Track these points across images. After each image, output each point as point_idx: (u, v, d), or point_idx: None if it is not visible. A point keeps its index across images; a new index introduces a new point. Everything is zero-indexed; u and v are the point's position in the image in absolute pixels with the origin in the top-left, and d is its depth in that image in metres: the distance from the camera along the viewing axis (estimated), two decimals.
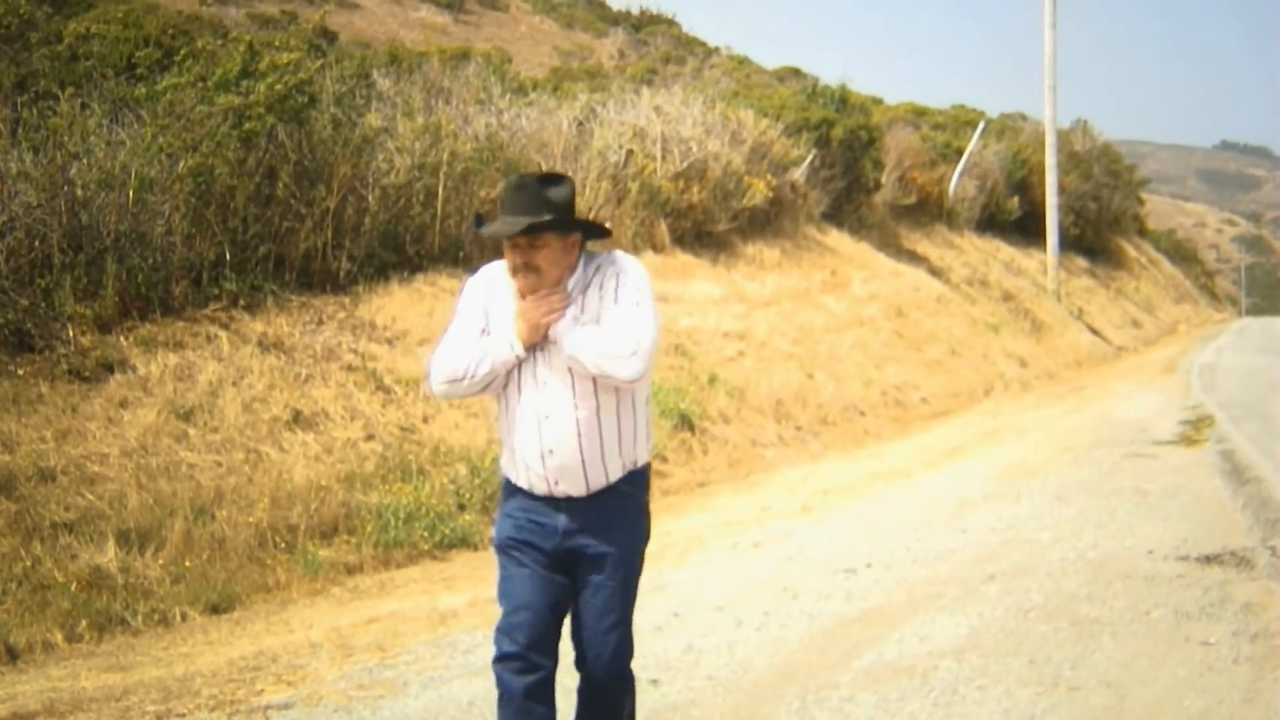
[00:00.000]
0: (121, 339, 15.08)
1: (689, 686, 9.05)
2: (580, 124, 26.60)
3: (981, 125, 49.24)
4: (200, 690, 8.18)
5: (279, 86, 17.75)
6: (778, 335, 24.37)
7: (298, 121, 18.37)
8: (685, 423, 18.97)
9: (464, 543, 13.89)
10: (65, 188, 15.57)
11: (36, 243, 15.22)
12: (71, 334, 14.70)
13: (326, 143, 18.89)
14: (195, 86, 17.63)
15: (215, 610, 11.42)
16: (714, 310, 24.05)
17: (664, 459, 17.84)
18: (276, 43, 19.61)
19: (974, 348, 30.66)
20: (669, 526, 14.88)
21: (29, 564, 11.20)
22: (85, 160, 16.07)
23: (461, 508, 14.51)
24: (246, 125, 17.43)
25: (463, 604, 11.35)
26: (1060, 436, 21.41)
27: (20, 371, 13.83)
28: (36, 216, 15.24)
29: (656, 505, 15.30)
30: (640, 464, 6.48)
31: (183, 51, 18.88)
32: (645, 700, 8.75)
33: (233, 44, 18.93)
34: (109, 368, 14.51)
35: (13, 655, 10.12)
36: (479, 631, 10.34)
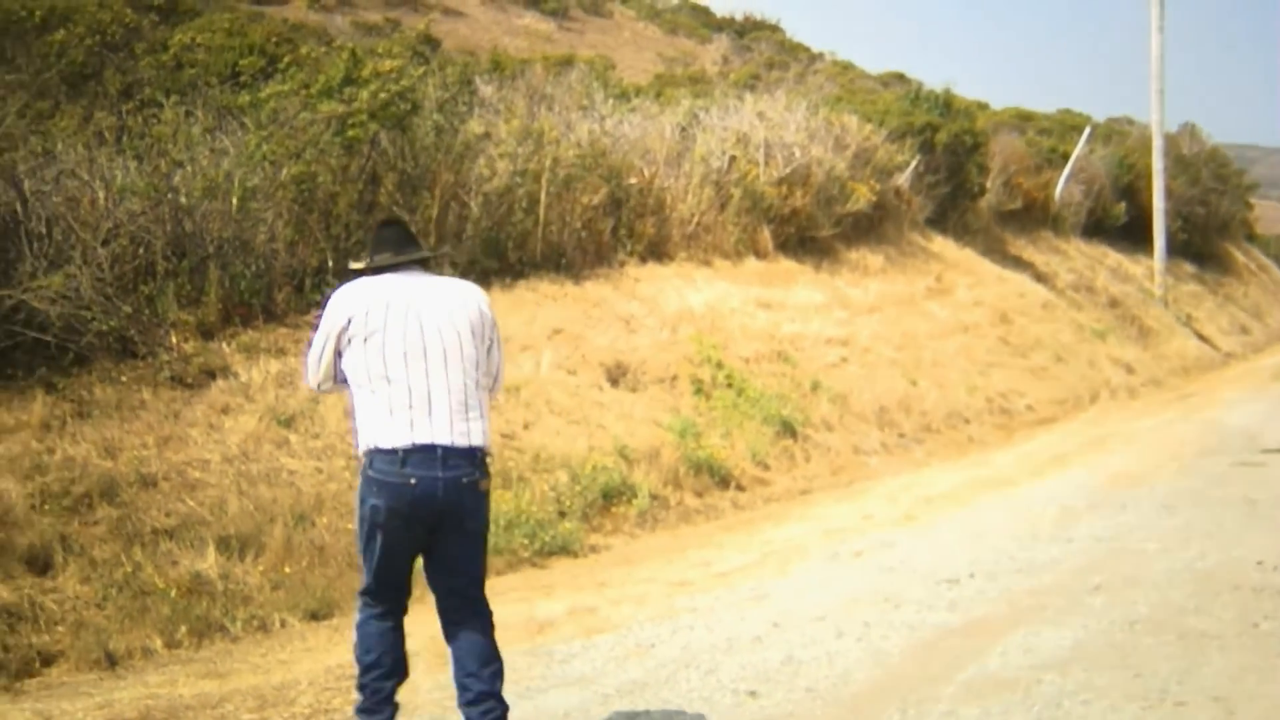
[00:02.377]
0: (224, 345, 15.15)
1: (788, 699, 8.95)
2: (683, 130, 26.51)
3: (1088, 130, 48.74)
4: (296, 699, 8.18)
5: (382, 94, 17.79)
6: (881, 342, 24.21)
7: (400, 128, 18.43)
8: (788, 430, 18.87)
9: (564, 550, 13.82)
10: (169, 195, 15.66)
11: (141, 250, 15.32)
12: (174, 340, 14.78)
13: (429, 149, 18.94)
14: (298, 94, 17.71)
15: (314, 617, 11.40)
16: (817, 316, 23.92)
17: (766, 466, 17.76)
18: (379, 50, 19.68)
19: (1080, 354, 30.35)
20: (770, 535, 14.80)
21: (130, 570, 11.24)
22: (189, 168, 16.16)
23: (562, 515, 14.46)
24: (349, 132, 17.48)
25: (561, 612, 11.29)
26: (1167, 444, 21.14)
27: (124, 378, 13.92)
28: (141, 224, 15.34)
29: (758, 513, 15.32)
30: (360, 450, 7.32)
31: (286, 59, 18.99)
32: (743, 712, 8.70)
33: (336, 51, 19.03)
34: (211, 374, 14.58)
35: (112, 661, 10.16)
36: (576, 641, 10.30)
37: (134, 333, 14.54)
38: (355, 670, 7.59)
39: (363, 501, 7.23)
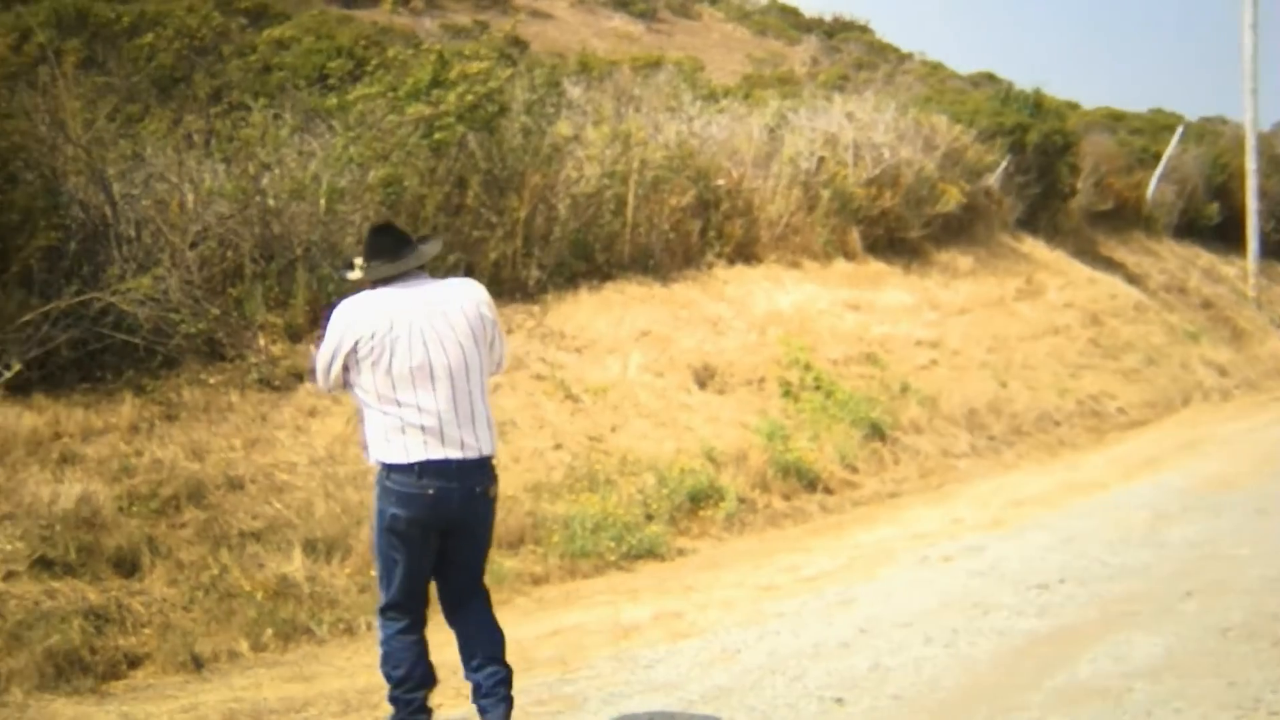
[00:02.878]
0: (311, 348, 15.17)
1: (874, 706, 8.87)
2: (771, 131, 26.39)
3: (1180, 129, 48.25)
4: (379, 703, 8.13)
5: (469, 96, 17.80)
6: (971, 343, 24.02)
7: (488, 130, 18.43)
8: (876, 432, 18.72)
9: (650, 554, 13.75)
10: (257, 198, 15.72)
11: (229, 252, 15.39)
12: (262, 343, 14.84)
13: (516, 151, 18.92)
14: (386, 96, 17.73)
15: None
16: (906, 318, 23.76)
17: (854, 469, 17.63)
18: (467, 52, 19.68)
19: (1172, 356, 30.02)
20: (859, 539, 14.70)
21: (216, 572, 11.26)
22: (277, 170, 16.21)
23: (649, 518, 14.39)
24: (437, 135, 17.50)
25: (646, 617, 11.23)
26: (1261, 448, 20.89)
27: (211, 380, 13.97)
28: (229, 226, 15.40)
29: (846, 516, 15.23)
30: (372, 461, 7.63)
31: (374, 62, 19.03)
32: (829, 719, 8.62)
33: (423, 54, 19.04)
34: (298, 376, 14.61)
35: (198, 664, 10.18)
36: (661, 646, 10.24)
37: (222, 335, 14.60)
38: (386, 686, 7.77)
39: (381, 512, 7.52)
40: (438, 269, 17.00)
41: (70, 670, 9.78)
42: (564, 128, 20.17)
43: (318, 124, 17.46)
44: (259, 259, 15.48)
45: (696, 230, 22.21)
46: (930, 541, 14.36)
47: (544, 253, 18.90)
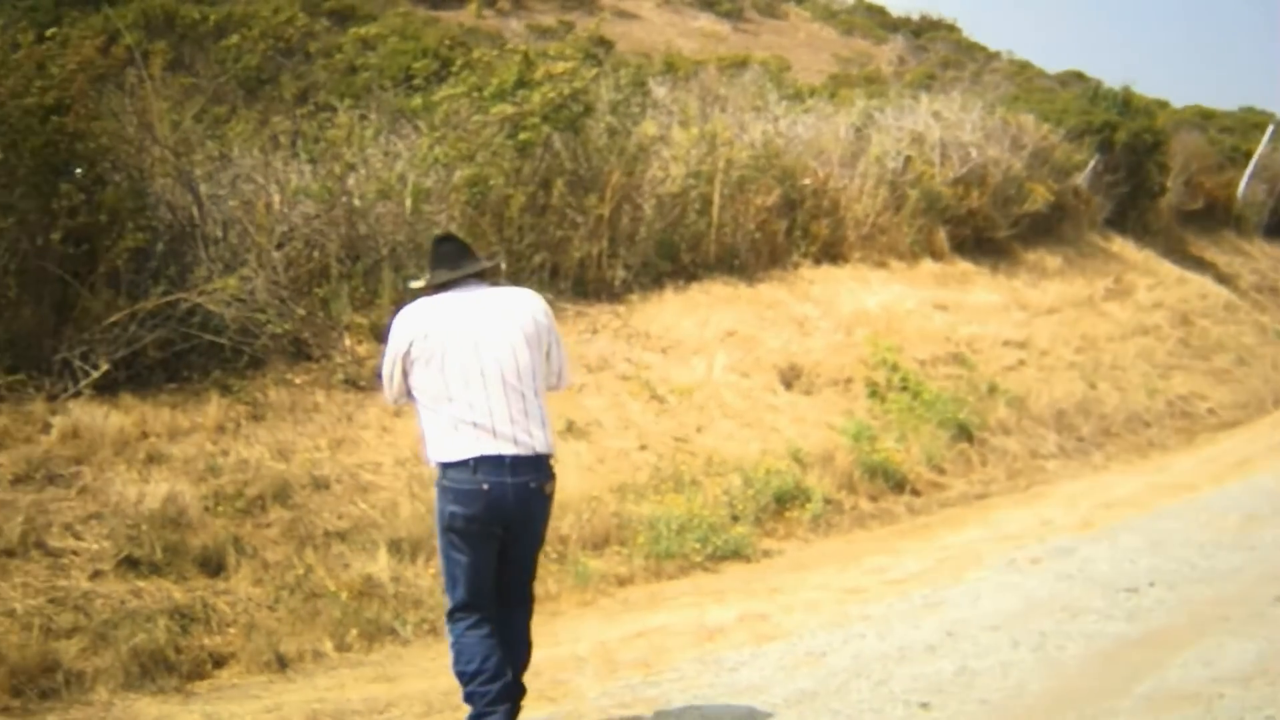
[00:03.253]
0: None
1: (961, 711, 8.79)
2: (858, 130, 26.28)
3: (1271, 128, 47.75)
4: (461, 705, 8.11)
5: (554, 95, 17.80)
6: (1059, 344, 23.83)
7: (573, 130, 18.42)
8: (964, 433, 18.59)
9: (736, 555, 13.68)
10: (343, 198, 15.76)
11: (315, 253, 15.43)
12: (348, 343, 14.86)
13: (601, 151, 18.92)
14: (470, 97, 17.74)
15: None
16: (994, 318, 23.60)
17: (941, 470, 17.52)
18: (552, 52, 19.68)
19: (1263, 357, 29.70)
20: (946, 540, 14.60)
21: (302, 572, 11.28)
22: (363, 171, 16.26)
23: (735, 519, 14.32)
24: (522, 135, 17.51)
25: (731, 619, 11.16)
26: None
27: (297, 380, 14.01)
28: (315, 227, 15.45)
29: (934, 518, 15.14)
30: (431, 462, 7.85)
31: (459, 62, 19.04)
32: None
33: (508, 54, 19.05)
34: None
35: (282, 664, 10.19)
36: (746, 649, 10.18)
37: (307, 335, 14.64)
38: (460, 685, 7.82)
39: (441, 512, 7.73)
40: (522, 269, 17.09)
41: (155, 669, 9.81)
42: (649, 127, 20.13)
43: (403, 124, 17.52)
44: (345, 259, 15.52)
45: (782, 230, 22.13)
46: (1018, 543, 14.24)
47: (629, 253, 18.88)
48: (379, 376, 8.21)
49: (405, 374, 7.73)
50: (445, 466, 7.61)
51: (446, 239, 8.25)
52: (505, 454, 7.50)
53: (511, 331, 7.72)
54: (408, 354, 7.64)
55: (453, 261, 7.88)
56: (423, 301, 7.84)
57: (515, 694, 7.77)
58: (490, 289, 7.98)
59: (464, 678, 7.74)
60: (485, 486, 7.48)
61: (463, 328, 7.63)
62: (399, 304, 8.48)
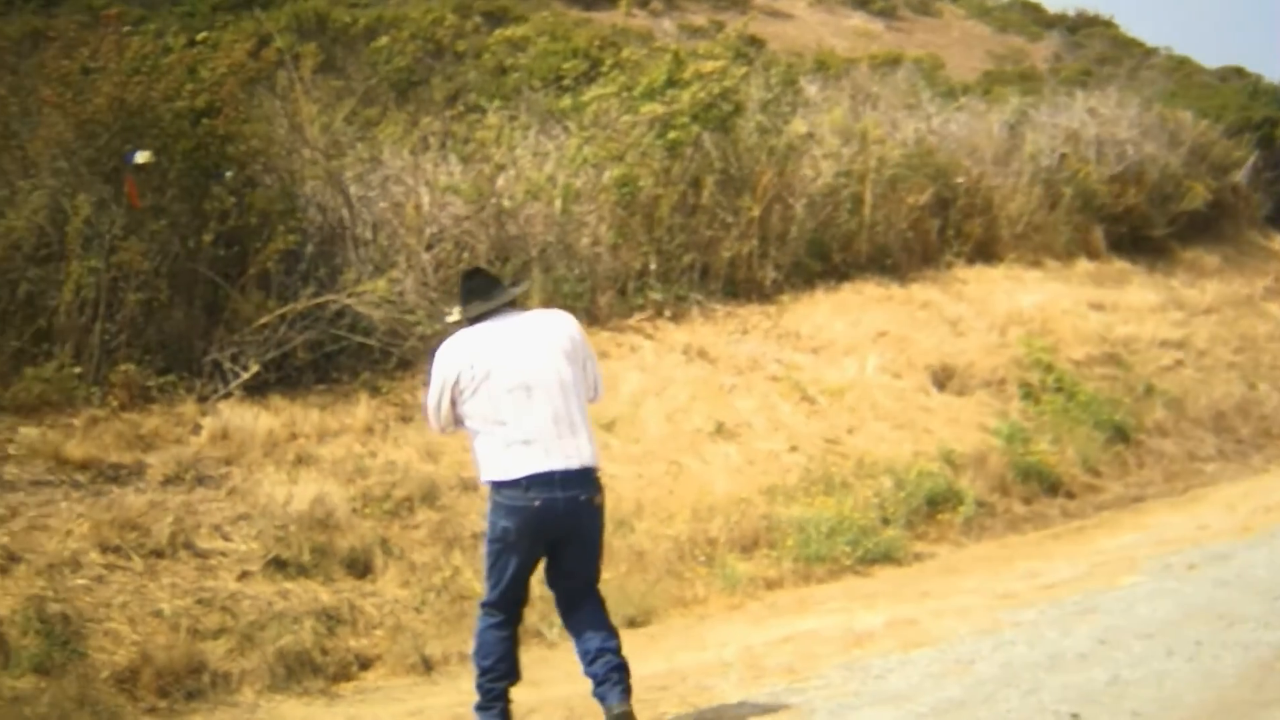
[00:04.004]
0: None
1: None
2: (1011, 128, 25.96)
3: None
4: (599, 712, 8.06)
5: (703, 95, 17.71)
6: (1218, 344, 23.39)
7: (723, 129, 18.33)
8: (1120, 435, 18.28)
9: (887, 558, 13.55)
10: (493, 199, 15.78)
11: (464, 254, 15.44)
12: None
13: (752, 150, 18.82)
14: (620, 96, 17.71)
15: (633, 624, 11.26)
16: (1151, 318, 23.19)
17: (1097, 473, 17.23)
18: (701, 51, 19.59)
19: None
20: (1101, 544, 14.36)
21: (449, 574, 11.30)
22: (512, 172, 16.27)
23: (885, 522, 14.17)
24: (671, 134, 17.46)
25: (880, 624, 10.98)
26: None
27: None
28: (464, 228, 15.50)
29: (1088, 521, 14.89)
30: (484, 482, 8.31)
31: (608, 62, 19.03)
32: None
33: (658, 53, 19.00)
34: None
35: (427, 666, 10.20)
36: (893, 655, 10.00)
37: None
38: (474, 672, 8.44)
39: (493, 524, 8.16)
40: (671, 269, 17.04)
41: (301, 671, 9.88)
42: (799, 126, 19.98)
43: (552, 125, 17.51)
44: (494, 260, 15.53)
45: (935, 229, 21.91)
46: (1174, 548, 13.93)
47: (780, 252, 18.77)
48: (425, 409, 8.57)
49: (454, 403, 8.14)
50: (498, 485, 8.03)
51: (475, 273, 8.82)
52: (555, 469, 7.91)
53: (552, 351, 8.16)
54: (456, 384, 8.05)
55: (485, 293, 8.35)
56: (462, 334, 8.29)
57: (622, 671, 8.19)
58: (524, 314, 8.53)
59: (479, 669, 8.36)
60: (537, 503, 7.90)
61: (506, 353, 8.05)
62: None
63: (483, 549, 8.58)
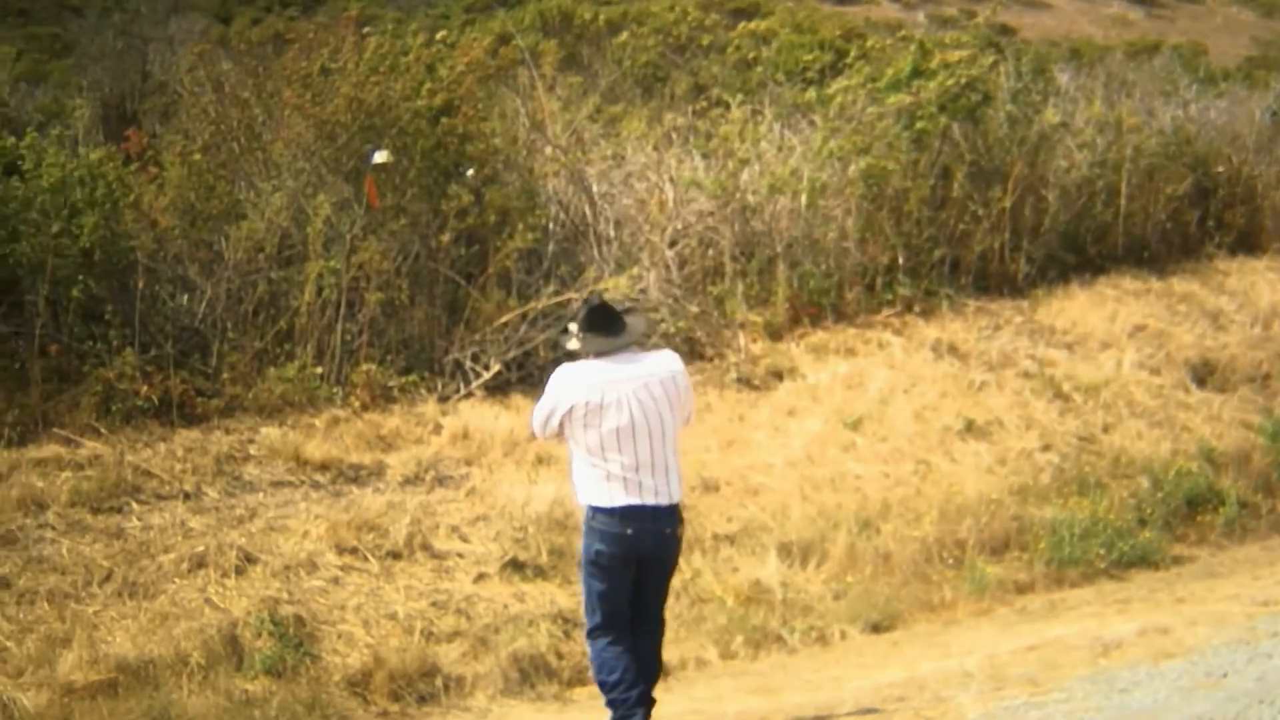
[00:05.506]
0: (792, 346, 15.00)
1: None
2: (1275, 114, 25.17)
3: None
4: None
5: (950, 84, 17.36)
6: None
7: (972, 120, 17.96)
8: None
9: (1144, 561, 13.08)
10: (737, 195, 15.61)
11: (709, 250, 15.32)
12: (743, 342, 14.71)
13: (1002, 141, 18.42)
14: (865, 88, 17.43)
15: (875, 629, 11.07)
16: None
17: None
18: (948, 40, 19.25)
19: None
20: None
21: (689, 576, 11.12)
22: (756, 166, 16.09)
23: (1142, 523, 13.70)
24: (918, 125, 17.17)
25: (1131, 632, 10.51)
26: None
27: (691, 379, 13.87)
28: (709, 224, 15.35)
29: None
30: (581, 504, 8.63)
31: (853, 54, 18.77)
32: None
33: (903, 44, 18.69)
34: (778, 375, 14.48)
35: (664, 672, 10.02)
36: (1142, 667, 9.53)
37: (701, 334, 14.61)
38: (603, 693, 8.46)
39: (588, 548, 8.49)
40: (920, 264, 16.75)
41: (535, 675, 9.85)
42: (1051, 115, 19.52)
43: (797, 118, 17.29)
44: (739, 256, 15.37)
45: (1194, 220, 21.27)
46: None
47: (1033, 245, 18.38)
48: (532, 416, 8.81)
49: (561, 425, 8.50)
50: (595, 510, 8.41)
51: (601, 308, 8.87)
52: (647, 504, 8.34)
53: (659, 398, 8.48)
54: (570, 413, 8.39)
55: (607, 330, 8.59)
56: (582, 366, 8.58)
57: (649, 704, 8.46)
58: (640, 354, 8.73)
59: (605, 686, 8.50)
60: (630, 532, 8.31)
61: (620, 399, 8.37)
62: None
63: (579, 579, 8.96)
